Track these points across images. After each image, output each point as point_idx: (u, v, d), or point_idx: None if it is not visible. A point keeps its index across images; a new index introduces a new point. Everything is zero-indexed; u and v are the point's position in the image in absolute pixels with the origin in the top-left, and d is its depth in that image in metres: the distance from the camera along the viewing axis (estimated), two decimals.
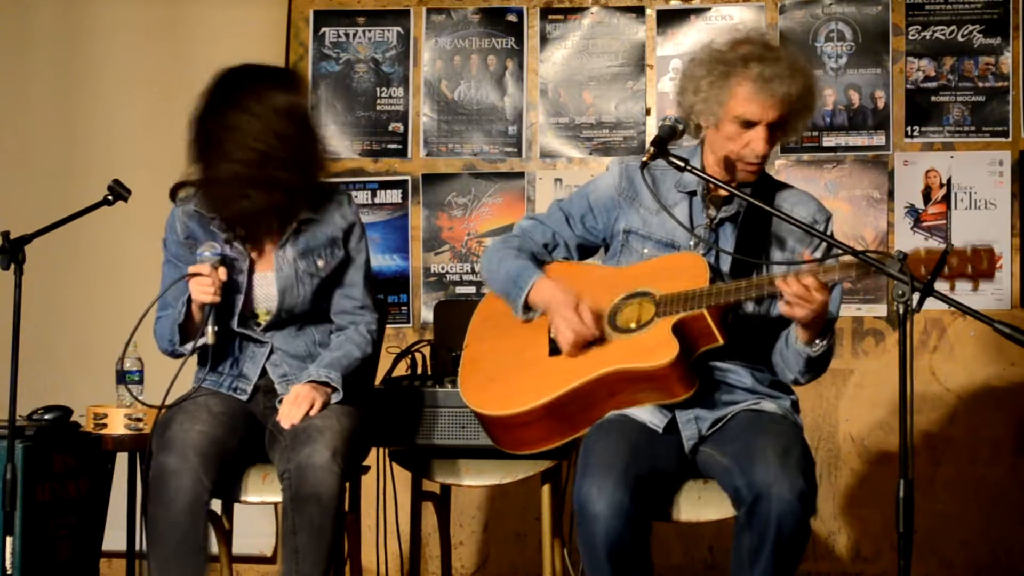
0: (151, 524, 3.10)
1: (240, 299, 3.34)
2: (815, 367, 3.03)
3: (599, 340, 3.05)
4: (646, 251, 3.15)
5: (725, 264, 3.09)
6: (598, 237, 3.26)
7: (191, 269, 3.27)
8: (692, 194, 3.14)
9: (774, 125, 2.99)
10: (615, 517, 2.77)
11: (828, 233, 3.11)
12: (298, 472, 3.08)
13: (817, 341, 2.95)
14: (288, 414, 3.20)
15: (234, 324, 3.34)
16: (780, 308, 2.89)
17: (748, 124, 2.99)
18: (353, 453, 3.21)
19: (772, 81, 2.95)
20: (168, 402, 3.24)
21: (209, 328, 3.27)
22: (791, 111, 3.00)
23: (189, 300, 3.27)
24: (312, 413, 3.19)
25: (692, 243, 3.10)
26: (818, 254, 3.06)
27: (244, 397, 3.34)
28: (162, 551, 3.09)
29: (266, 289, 3.37)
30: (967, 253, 2.74)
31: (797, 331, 2.95)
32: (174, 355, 3.34)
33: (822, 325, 2.92)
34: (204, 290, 3.24)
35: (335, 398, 3.26)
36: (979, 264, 2.72)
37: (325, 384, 3.26)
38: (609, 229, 3.22)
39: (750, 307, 3.08)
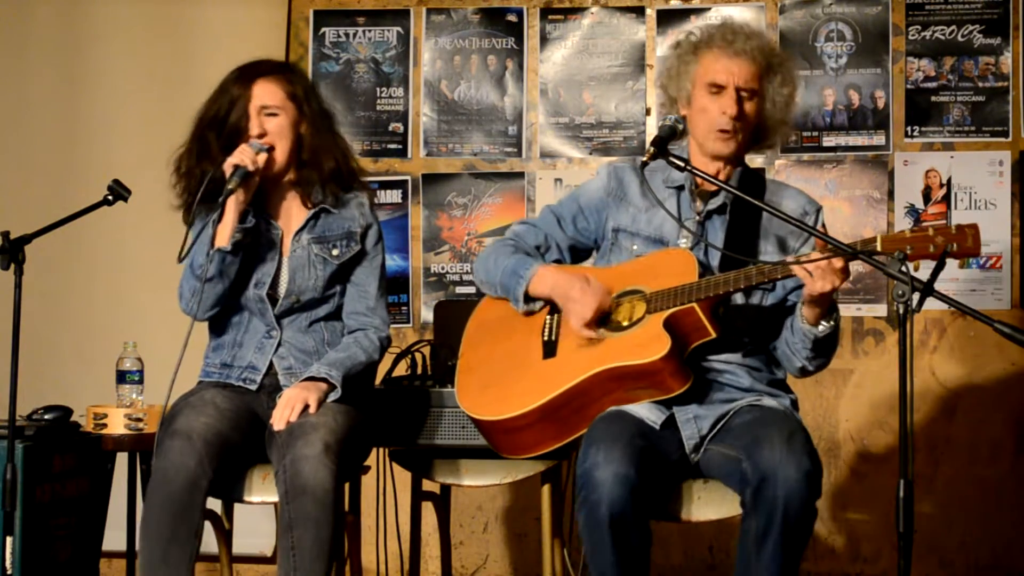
0: (148, 499, 3.07)
1: (271, 274, 3.35)
2: (822, 350, 3.03)
3: (593, 340, 3.06)
4: (635, 248, 3.18)
5: (714, 258, 3.10)
6: (589, 239, 3.29)
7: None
8: (680, 189, 3.17)
9: (744, 90, 3.06)
10: (619, 484, 2.78)
11: (820, 225, 3.13)
12: (292, 466, 3.07)
13: (822, 322, 2.95)
14: (281, 416, 3.19)
15: (254, 292, 3.35)
16: (806, 282, 2.84)
17: (717, 88, 3.06)
18: (348, 451, 3.19)
19: (735, 41, 3.07)
20: (176, 397, 3.23)
21: (233, 199, 3.23)
22: (760, 71, 3.08)
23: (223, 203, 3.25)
24: (311, 411, 3.19)
25: (682, 240, 3.13)
26: (807, 248, 3.08)
27: (254, 387, 3.34)
28: (155, 527, 3.05)
29: (284, 274, 3.38)
30: (951, 231, 2.73)
31: (804, 312, 2.95)
32: (199, 282, 3.25)
33: (828, 303, 2.93)
34: (244, 152, 3.24)
35: (333, 396, 3.25)
36: (963, 241, 2.71)
37: (324, 380, 3.26)
38: (600, 230, 3.26)
39: (743, 299, 3.09)
